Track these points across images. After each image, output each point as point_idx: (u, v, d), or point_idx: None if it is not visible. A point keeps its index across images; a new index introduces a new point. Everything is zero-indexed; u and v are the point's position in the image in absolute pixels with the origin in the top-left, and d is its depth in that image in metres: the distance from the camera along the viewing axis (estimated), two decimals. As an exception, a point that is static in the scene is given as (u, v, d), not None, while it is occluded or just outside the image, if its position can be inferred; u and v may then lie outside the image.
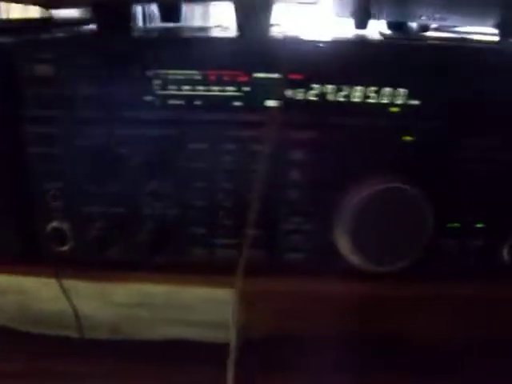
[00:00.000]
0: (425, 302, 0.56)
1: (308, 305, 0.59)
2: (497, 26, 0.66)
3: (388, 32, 0.72)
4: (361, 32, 0.69)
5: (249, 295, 0.53)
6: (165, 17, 0.74)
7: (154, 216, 0.52)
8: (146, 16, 0.79)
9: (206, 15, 0.90)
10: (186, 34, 0.59)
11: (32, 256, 0.56)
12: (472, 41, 0.63)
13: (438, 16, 0.65)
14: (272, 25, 0.52)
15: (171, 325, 0.62)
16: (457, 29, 0.77)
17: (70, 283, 0.59)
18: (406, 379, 0.58)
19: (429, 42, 0.56)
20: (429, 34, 0.74)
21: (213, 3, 0.88)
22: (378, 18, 0.69)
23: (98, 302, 0.62)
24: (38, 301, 0.63)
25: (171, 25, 0.72)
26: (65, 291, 0.58)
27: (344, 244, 0.47)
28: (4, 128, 0.51)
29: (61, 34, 0.56)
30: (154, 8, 0.79)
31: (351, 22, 0.70)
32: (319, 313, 0.60)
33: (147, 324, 0.62)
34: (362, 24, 0.69)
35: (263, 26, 0.52)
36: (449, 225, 0.51)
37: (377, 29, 0.71)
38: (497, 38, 0.66)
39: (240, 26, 0.53)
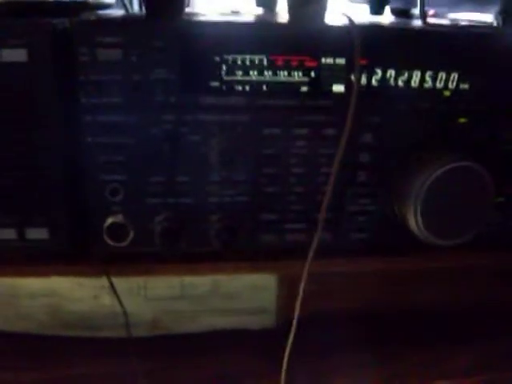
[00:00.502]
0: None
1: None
2: (498, 14, 0.71)
3: (392, 18, 0.75)
4: (377, 18, 0.71)
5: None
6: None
7: (221, 205, 0.51)
8: None
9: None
10: (244, 19, 0.58)
11: (82, 250, 0.52)
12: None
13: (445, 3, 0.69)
14: (326, 10, 0.53)
15: (215, 315, 0.61)
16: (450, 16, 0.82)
17: (106, 280, 0.56)
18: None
19: (469, 29, 0.59)
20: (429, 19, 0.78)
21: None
22: (393, 5, 0.73)
23: (135, 297, 0.60)
24: (69, 302, 0.60)
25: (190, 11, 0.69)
26: (115, 290, 0.55)
27: (416, 222, 0.50)
28: (65, 116, 0.47)
29: (123, 17, 0.53)
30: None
31: (365, 7, 0.73)
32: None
33: (189, 316, 0.62)
34: (378, 9, 0.71)
35: (320, 12, 0.52)
36: (495, 199, 0.55)
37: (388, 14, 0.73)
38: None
39: (293, 13, 0.53)
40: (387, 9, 0.73)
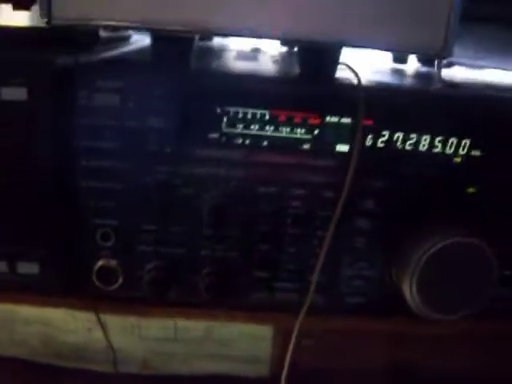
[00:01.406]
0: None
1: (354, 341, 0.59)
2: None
3: (417, 65, 0.72)
4: (400, 66, 0.69)
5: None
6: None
7: (213, 258, 0.50)
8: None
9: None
10: (248, 67, 0.56)
11: (71, 291, 0.52)
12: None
13: (477, 55, 0.66)
14: (338, 65, 0.51)
15: (207, 360, 0.60)
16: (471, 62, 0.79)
17: (101, 317, 0.56)
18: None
19: (487, 92, 0.56)
20: (455, 69, 0.75)
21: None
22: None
23: (129, 336, 0.59)
24: (63, 333, 0.60)
25: (205, 43, 0.68)
26: (102, 325, 0.55)
27: (411, 295, 0.47)
28: (57, 160, 0.47)
29: (121, 59, 0.52)
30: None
31: (389, 55, 0.70)
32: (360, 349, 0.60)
33: (180, 359, 0.60)
34: (401, 58, 0.68)
35: (331, 65, 0.50)
36: (503, 272, 0.52)
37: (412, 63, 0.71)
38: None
39: (303, 65, 0.51)
40: (412, 57, 0.71)
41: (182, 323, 0.57)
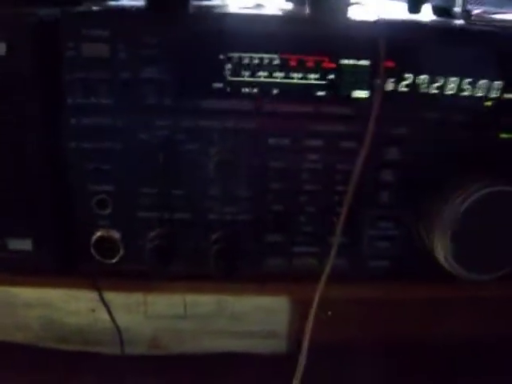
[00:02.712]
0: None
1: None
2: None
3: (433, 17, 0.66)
4: (414, 16, 0.63)
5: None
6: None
7: (222, 222, 0.44)
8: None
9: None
10: (258, 12, 0.51)
11: (70, 268, 0.47)
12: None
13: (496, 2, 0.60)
14: (349, 5, 0.45)
15: (219, 337, 0.55)
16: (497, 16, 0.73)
17: (104, 294, 0.51)
18: None
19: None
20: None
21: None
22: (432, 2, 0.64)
23: (134, 314, 0.54)
24: (65, 314, 0.55)
25: (207, 3, 0.62)
26: (106, 304, 0.50)
27: (444, 253, 0.42)
28: (47, 119, 0.41)
29: (112, 8, 0.46)
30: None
31: (403, 5, 0.64)
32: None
33: (191, 337, 0.55)
34: (416, 8, 0.63)
35: (343, 5, 0.44)
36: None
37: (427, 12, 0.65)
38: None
39: (313, 6, 0.45)
40: (427, 7, 0.65)
41: (192, 298, 0.52)
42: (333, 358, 0.55)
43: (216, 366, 0.54)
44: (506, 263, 0.42)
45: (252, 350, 0.55)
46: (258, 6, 0.63)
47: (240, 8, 0.59)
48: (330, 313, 0.53)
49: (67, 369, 0.55)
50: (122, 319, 0.53)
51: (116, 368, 0.53)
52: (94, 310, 0.52)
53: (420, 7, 0.63)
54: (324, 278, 0.43)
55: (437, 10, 0.66)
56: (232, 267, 0.43)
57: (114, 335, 0.54)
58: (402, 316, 0.54)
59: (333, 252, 0.42)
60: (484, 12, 0.69)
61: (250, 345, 0.55)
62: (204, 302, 0.52)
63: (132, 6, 0.49)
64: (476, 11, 0.69)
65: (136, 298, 0.52)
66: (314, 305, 0.44)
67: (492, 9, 0.68)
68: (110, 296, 0.52)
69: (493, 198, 0.41)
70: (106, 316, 0.52)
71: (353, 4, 0.45)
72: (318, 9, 0.45)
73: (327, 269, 0.42)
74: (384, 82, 0.41)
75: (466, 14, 0.68)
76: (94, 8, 0.43)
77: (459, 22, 0.50)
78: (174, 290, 0.50)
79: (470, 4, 0.66)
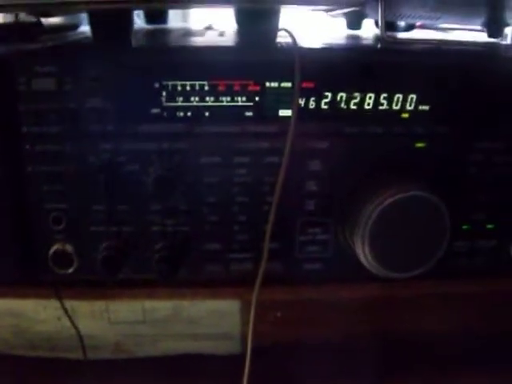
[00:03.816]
0: (435, 301, 0.57)
1: (320, 311, 0.58)
2: (484, 26, 0.66)
3: (377, 31, 0.71)
4: (354, 32, 0.68)
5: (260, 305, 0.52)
6: (150, 18, 0.70)
7: (165, 234, 0.49)
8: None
9: (185, 14, 0.87)
10: (188, 41, 0.56)
11: (31, 278, 0.52)
12: (467, 43, 0.63)
13: (430, 16, 0.65)
14: (278, 30, 0.50)
15: (177, 339, 0.60)
16: (440, 26, 0.77)
17: (69, 303, 0.56)
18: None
19: (430, 45, 0.55)
20: (415, 32, 0.73)
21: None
22: (371, 18, 0.69)
23: (98, 321, 0.59)
24: (35, 323, 0.60)
25: (159, 27, 0.68)
26: (67, 312, 0.55)
27: (363, 253, 0.46)
28: (3, 146, 0.47)
29: (60, 45, 0.52)
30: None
31: (343, 21, 0.69)
32: (331, 318, 0.59)
33: (151, 340, 0.60)
34: (355, 24, 0.67)
35: (269, 32, 0.50)
36: (460, 227, 0.51)
37: (369, 28, 0.69)
38: (482, 35, 0.67)
39: (242, 32, 0.51)
40: (369, 22, 0.69)
41: (150, 304, 0.57)
42: (285, 356, 0.60)
43: (176, 366, 0.59)
44: (422, 262, 0.47)
45: (209, 352, 0.59)
46: (208, 28, 0.69)
47: (186, 33, 0.64)
48: (279, 314, 0.58)
49: (35, 374, 0.60)
50: (87, 326, 0.58)
51: (81, 372, 0.58)
52: (59, 319, 0.57)
53: (359, 24, 0.68)
54: (258, 281, 0.48)
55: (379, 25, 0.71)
56: (172, 273, 0.48)
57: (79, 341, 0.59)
58: (349, 315, 0.58)
59: (264, 257, 0.47)
60: (423, 25, 0.74)
61: (207, 346, 0.59)
62: (161, 307, 0.57)
63: (79, 41, 0.55)
64: (418, 23, 0.75)
65: (99, 305, 0.57)
66: (253, 306, 0.49)
67: (432, 22, 0.73)
68: (74, 304, 0.57)
69: (406, 203, 0.45)
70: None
71: (281, 30, 0.50)
72: (247, 35, 0.51)
73: (260, 273, 0.47)
74: (298, 101, 0.46)
75: (409, 27, 0.74)
76: (42, 46, 0.49)
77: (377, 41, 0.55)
78: (132, 297, 0.56)
79: (426, 19, 0.72)
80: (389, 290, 0.54)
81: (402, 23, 0.72)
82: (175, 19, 0.88)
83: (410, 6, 0.62)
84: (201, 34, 0.62)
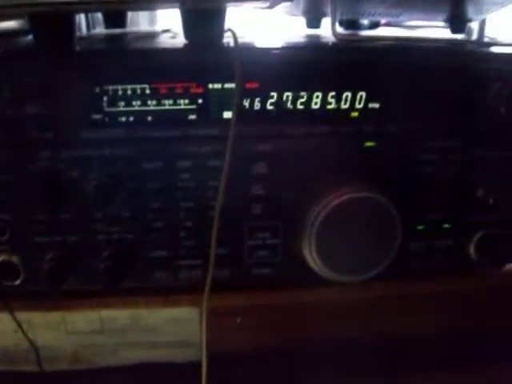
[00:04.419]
0: (394, 301, 0.55)
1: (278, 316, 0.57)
2: (446, 22, 0.65)
3: (340, 29, 0.69)
4: (313, 31, 0.66)
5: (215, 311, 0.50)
6: (109, 22, 0.68)
7: (110, 242, 0.48)
8: (89, 21, 0.73)
9: (153, 19, 0.85)
10: (133, 44, 0.54)
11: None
12: (423, 39, 0.61)
13: (391, 12, 0.63)
14: (223, 31, 0.49)
15: (136, 348, 0.58)
16: (406, 23, 0.76)
17: (24, 315, 0.54)
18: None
19: (383, 42, 0.54)
20: (380, 29, 0.72)
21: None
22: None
23: (55, 332, 0.57)
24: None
25: (117, 31, 0.66)
26: (19, 325, 0.53)
27: (311, 257, 0.45)
28: None
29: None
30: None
31: (303, 21, 0.67)
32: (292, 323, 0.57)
33: (109, 350, 0.58)
34: (314, 23, 0.66)
35: (214, 32, 0.48)
36: (415, 227, 0.50)
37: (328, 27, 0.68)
38: (445, 31, 0.65)
39: (188, 34, 0.49)
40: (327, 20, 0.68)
41: (107, 313, 0.55)
42: (248, 363, 0.58)
43: (136, 375, 0.58)
44: (372, 265, 0.45)
45: (169, 360, 0.58)
46: (165, 31, 0.67)
47: (138, 37, 0.63)
48: (238, 320, 0.56)
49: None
50: (44, 337, 0.56)
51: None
52: (16, 331, 0.56)
53: (319, 23, 0.67)
54: (207, 288, 0.46)
55: (343, 23, 0.70)
56: (119, 281, 0.46)
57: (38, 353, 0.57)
58: (303, 319, 0.56)
59: (211, 263, 0.45)
60: (388, 23, 0.72)
61: (167, 354, 0.58)
62: (119, 316, 0.55)
63: (21, 46, 0.53)
64: (382, 22, 0.73)
65: (55, 316, 0.56)
66: (204, 313, 0.47)
67: (393, 19, 0.71)
68: (31, 316, 0.55)
69: (353, 204, 0.44)
70: (29, 335, 0.56)
71: (227, 31, 0.49)
72: (193, 37, 0.49)
73: (208, 280, 0.46)
74: (240, 102, 0.45)
75: (373, 24, 0.72)
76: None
77: (326, 39, 0.53)
78: (89, 307, 0.54)
79: (387, 16, 0.70)
80: (343, 294, 0.53)
81: (365, 21, 0.71)
82: (143, 23, 0.87)
83: (369, 3, 0.60)
84: (155, 36, 0.61)
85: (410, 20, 0.71)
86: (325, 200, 0.44)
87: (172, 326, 0.56)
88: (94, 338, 0.57)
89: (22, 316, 0.54)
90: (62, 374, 0.59)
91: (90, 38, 0.56)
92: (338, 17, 0.67)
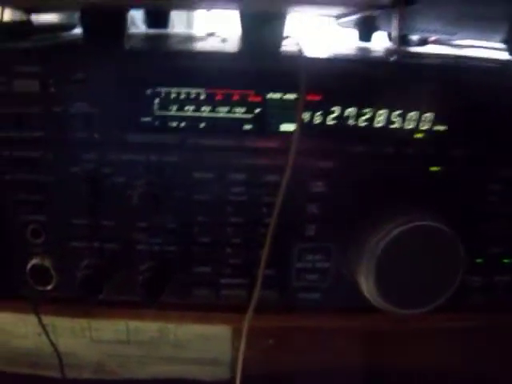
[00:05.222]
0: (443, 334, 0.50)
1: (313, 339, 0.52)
2: (504, 42, 0.60)
3: (389, 44, 0.65)
4: (365, 44, 0.62)
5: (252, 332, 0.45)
6: (151, 22, 0.64)
7: (151, 253, 0.43)
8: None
9: (190, 20, 0.81)
10: (187, 46, 0.50)
11: (9, 290, 0.46)
12: (485, 59, 0.57)
13: (446, 30, 0.59)
14: (283, 38, 0.44)
15: (161, 363, 0.53)
16: (455, 42, 0.71)
17: (48, 318, 0.50)
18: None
19: (451, 60, 0.49)
20: (429, 47, 0.67)
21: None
22: (383, 30, 0.62)
23: (80, 339, 0.53)
24: (13, 337, 0.54)
25: (159, 31, 0.62)
26: (45, 328, 0.49)
27: (367, 287, 0.40)
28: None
29: (46, 43, 0.46)
30: (135, 12, 0.69)
31: (355, 33, 0.63)
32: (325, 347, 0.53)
33: (135, 362, 0.54)
34: (366, 36, 0.61)
35: (274, 39, 0.44)
36: (474, 260, 0.45)
37: (380, 41, 0.63)
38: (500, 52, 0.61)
39: (246, 38, 0.45)
40: (381, 34, 0.63)
41: (134, 325, 0.51)
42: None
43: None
44: (432, 299, 0.41)
45: (197, 377, 0.53)
46: (211, 34, 0.63)
47: (186, 38, 0.58)
48: (271, 341, 0.51)
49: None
50: (69, 343, 0.52)
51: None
52: (40, 335, 0.51)
53: (370, 36, 0.62)
54: (251, 309, 0.42)
55: (391, 38, 0.65)
56: (157, 297, 0.42)
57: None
58: (346, 345, 0.51)
59: (258, 284, 0.41)
60: (438, 39, 0.68)
61: (195, 371, 0.53)
62: (147, 328, 0.51)
63: (69, 41, 0.49)
64: (432, 38, 0.68)
65: (81, 323, 0.51)
66: (244, 334, 0.43)
67: (447, 37, 0.66)
68: (55, 321, 0.51)
69: (415, 233, 0.39)
70: (52, 339, 0.52)
71: (287, 38, 0.44)
72: (250, 42, 0.45)
73: (253, 301, 0.41)
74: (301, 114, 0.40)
75: (422, 41, 0.67)
76: (26, 44, 0.43)
77: (395, 53, 0.48)
78: (116, 317, 0.50)
79: (443, 34, 0.65)
80: (389, 322, 0.48)
81: (414, 38, 0.66)
82: (179, 25, 0.82)
83: (425, 20, 0.56)
84: (202, 39, 0.56)
85: (465, 39, 0.66)
86: (387, 227, 0.39)
87: (202, 343, 0.52)
88: (119, 348, 0.53)
89: (46, 320, 0.49)
90: (84, 382, 0.54)
91: (133, 37, 0.52)
92: (390, 31, 0.62)
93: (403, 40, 0.66)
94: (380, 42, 0.63)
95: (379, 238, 0.39)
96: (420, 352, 0.51)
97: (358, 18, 0.58)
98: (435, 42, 0.69)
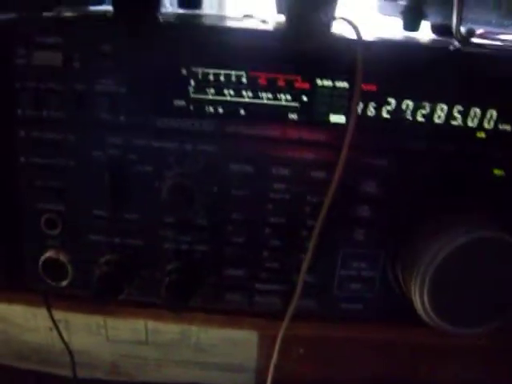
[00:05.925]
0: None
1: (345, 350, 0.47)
2: None
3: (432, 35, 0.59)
4: (410, 34, 0.56)
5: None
6: (183, 2, 0.58)
7: (178, 252, 0.38)
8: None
9: (222, 3, 0.74)
10: (229, 24, 0.44)
11: (20, 282, 0.41)
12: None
13: (502, 22, 0.53)
14: (334, 19, 0.38)
15: (181, 367, 0.48)
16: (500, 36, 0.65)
17: (62, 314, 0.44)
18: None
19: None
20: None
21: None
22: (431, 20, 0.56)
23: (94, 337, 0.48)
24: (24, 331, 0.49)
25: (192, 12, 0.56)
26: (55, 323, 0.44)
27: (421, 302, 0.34)
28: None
29: (72, 13, 0.40)
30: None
31: (399, 21, 0.57)
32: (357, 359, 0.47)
33: (151, 365, 0.49)
34: (412, 25, 0.55)
35: (325, 20, 0.38)
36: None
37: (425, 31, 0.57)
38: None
39: (293, 19, 0.39)
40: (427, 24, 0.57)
41: (154, 325, 0.46)
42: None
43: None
44: (491, 317, 0.35)
45: (219, 383, 0.48)
46: (246, 16, 0.56)
47: (223, 18, 0.52)
48: (301, 350, 0.46)
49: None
50: (82, 341, 0.47)
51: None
52: (51, 329, 0.46)
53: (417, 25, 0.56)
54: (287, 319, 0.36)
55: (436, 29, 0.58)
56: (184, 302, 0.36)
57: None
58: (383, 357, 0.46)
59: (297, 292, 0.35)
60: (487, 32, 0.61)
61: (217, 377, 0.48)
62: (167, 330, 0.46)
63: (97, 13, 0.43)
64: (479, 31, 0.62)
65: (96, 320, 0.46)
66: (278, 343, 0.37)
67: (495, 29, 0.60)
68: (69, 316, 0.46)
69: (479, 244, 0.33)
70: (65, 336, 0.46)
71: (338, 19, 0.38)
72: (296, 23, 0.39)
73: (290, 310, 0.36)
74: (357, 106, 0.34)
75: (468, 33, 0.61)
76: (49, 14, 0.37)
77: (453, 43, 0.42)
78: (134, 316, 0.44)
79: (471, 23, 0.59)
80: (434, 337, 0.42)
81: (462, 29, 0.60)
82: (210, 7, 0.76)
83: (482, 9, 0.50)
84: (240, 20, 0.50)
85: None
86: (447, 237, 0.33)
87: (227, 348, 0.46)
88: (136, 349, 0.48)
89: (58, 315, 0.44)
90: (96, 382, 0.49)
91: (165, 15, 0.46)
92: (439, 21, 0.56)
93: (446, 31, 0.60)
94: (426, 33, 0.57)
95: (437, 249, 0.33)
96: (460, 367, 0.46)
97: (404, 5, 0.52)
98: (481, 36, 0.62)
